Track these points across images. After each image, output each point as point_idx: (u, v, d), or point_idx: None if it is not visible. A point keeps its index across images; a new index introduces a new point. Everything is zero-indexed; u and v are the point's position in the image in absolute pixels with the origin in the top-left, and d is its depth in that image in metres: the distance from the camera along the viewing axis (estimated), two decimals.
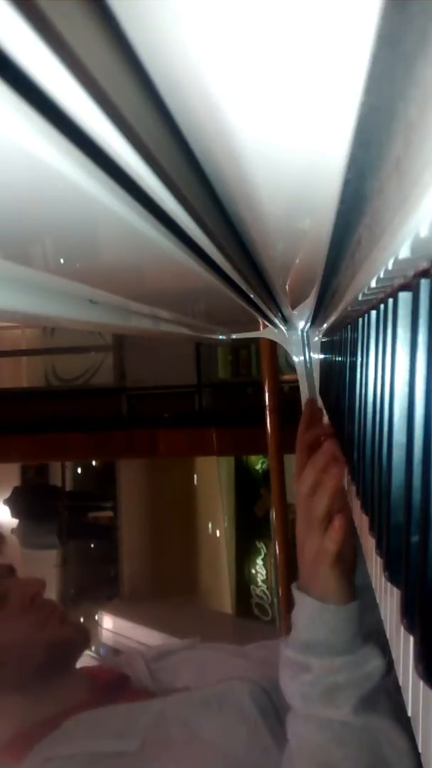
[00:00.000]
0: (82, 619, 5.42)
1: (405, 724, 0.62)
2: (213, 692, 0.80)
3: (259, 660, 0.92)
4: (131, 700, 0.83)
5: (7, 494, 5.49)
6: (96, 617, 5.35)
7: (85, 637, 0.94)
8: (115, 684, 0.89)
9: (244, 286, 0.55)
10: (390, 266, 0.32)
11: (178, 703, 0.80)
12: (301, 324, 1.02)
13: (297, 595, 0.71)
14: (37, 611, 0.86)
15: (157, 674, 0.91)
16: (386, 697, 0.66)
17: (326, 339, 1.01)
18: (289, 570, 1.62)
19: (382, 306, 0.40)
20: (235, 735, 0.73)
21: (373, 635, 0.66)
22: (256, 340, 1.73)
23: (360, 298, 0.46)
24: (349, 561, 0.70)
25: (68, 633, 0.88)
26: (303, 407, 0.98)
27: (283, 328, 1.06)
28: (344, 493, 0.69)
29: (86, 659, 0.99)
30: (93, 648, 4.92)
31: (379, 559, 0.44)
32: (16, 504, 5.45)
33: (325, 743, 0.64)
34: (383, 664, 0.65)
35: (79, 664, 0.92)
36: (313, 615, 0.68)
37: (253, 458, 4.89)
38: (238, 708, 0.76)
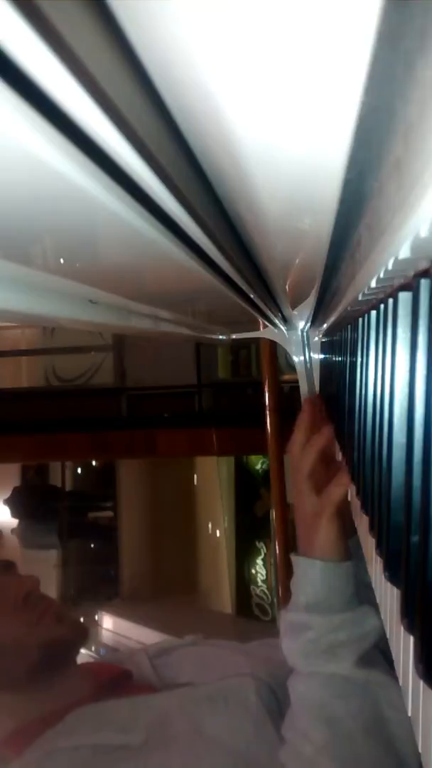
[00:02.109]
0: (81, 619, 5.42)
1: None
2: (218, 688, 0.80)
3: (263, 657, 0.91)
4: (134, 695, 0.83)
5: (7, 494, 5.49)
6: (96, 617, 5.35)
7: (82, 634, 0.93)
8: (118, 679, 0.88)
9: (244, 286, 0.55)
10: (390, 266, 0.32)
11: (182, 698, 0.79)
12: (301, 324, 1.02)
13: (295, 560, 0.72)
14: (30, 610, 0.85)
15: (161, 670, 0.91)
16: (382, 657, 0.67)
17: (326, 339, 1.01)
18: (289, 570, 1.62)
19: (382, 306, 0.40)
20: (241, 731, 0.73)
21: (368, 598, 0.67)
22: (256, 340, 1.73)
23: (360, 298, 0.46)
24: (346, 517, 0.71)
25: (63, 632, 0.86)
26: (303, 404, 0.99)
27: (283, 328, 1.06)
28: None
29: (85, 659, 0.98)
30: (93, 648, 4.92)
31: (379, 559, 0.44)
32: (16, 504, 5.46)
33: (328, 699, 0.65)
34: (380, 623, 0.65)
35: (79, 662, 0.91)
36: (311, 574, 0.69)
37: (253, 458, 4.89)
38: (244, 704, 0.76)
